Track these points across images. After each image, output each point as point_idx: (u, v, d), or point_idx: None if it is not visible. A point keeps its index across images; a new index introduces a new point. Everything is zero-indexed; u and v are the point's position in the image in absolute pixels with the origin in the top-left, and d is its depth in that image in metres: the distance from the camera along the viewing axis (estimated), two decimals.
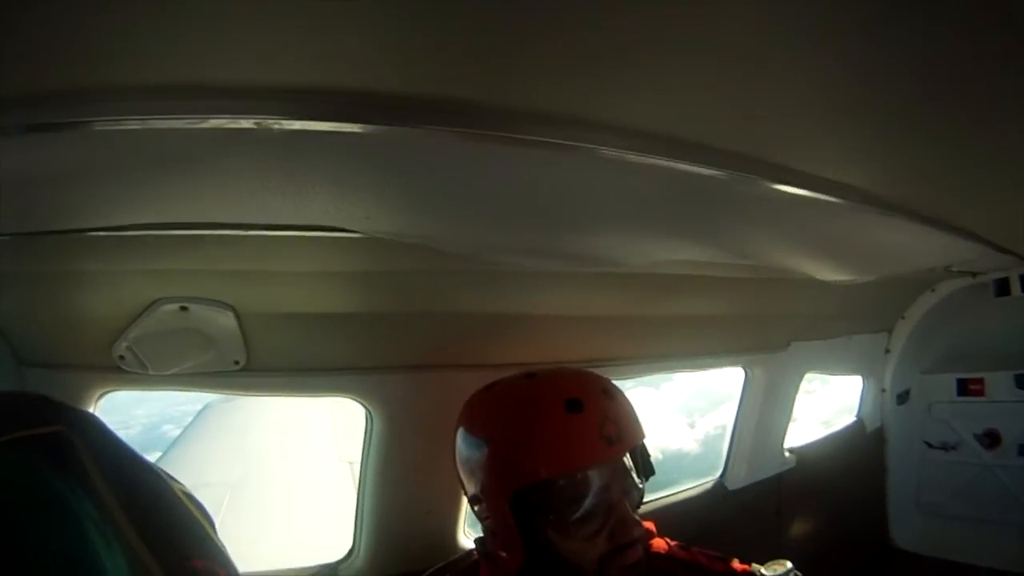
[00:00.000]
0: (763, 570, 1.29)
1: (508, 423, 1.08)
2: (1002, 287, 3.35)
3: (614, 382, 1.17)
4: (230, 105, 0.67)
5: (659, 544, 1.37)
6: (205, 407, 6.79)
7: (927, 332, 3.63)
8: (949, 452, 3.69)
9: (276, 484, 4.73)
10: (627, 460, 1.11)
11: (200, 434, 6.14)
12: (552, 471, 1.03)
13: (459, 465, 1.16)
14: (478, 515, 1.15)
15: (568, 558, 1.06)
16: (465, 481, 1.15)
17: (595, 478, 1.04)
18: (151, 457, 0.83)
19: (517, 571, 1.09)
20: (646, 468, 1.18)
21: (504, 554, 1.10)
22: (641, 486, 1.14)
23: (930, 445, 3.76)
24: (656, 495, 2.52)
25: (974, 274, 3.37)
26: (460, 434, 1.16)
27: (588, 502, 1.04)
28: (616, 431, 1.05)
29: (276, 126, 0.70)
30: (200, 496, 0.84)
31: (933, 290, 3.50)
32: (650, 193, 1.08)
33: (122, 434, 0.78)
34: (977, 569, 3.37)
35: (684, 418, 16.00)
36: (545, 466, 1.02)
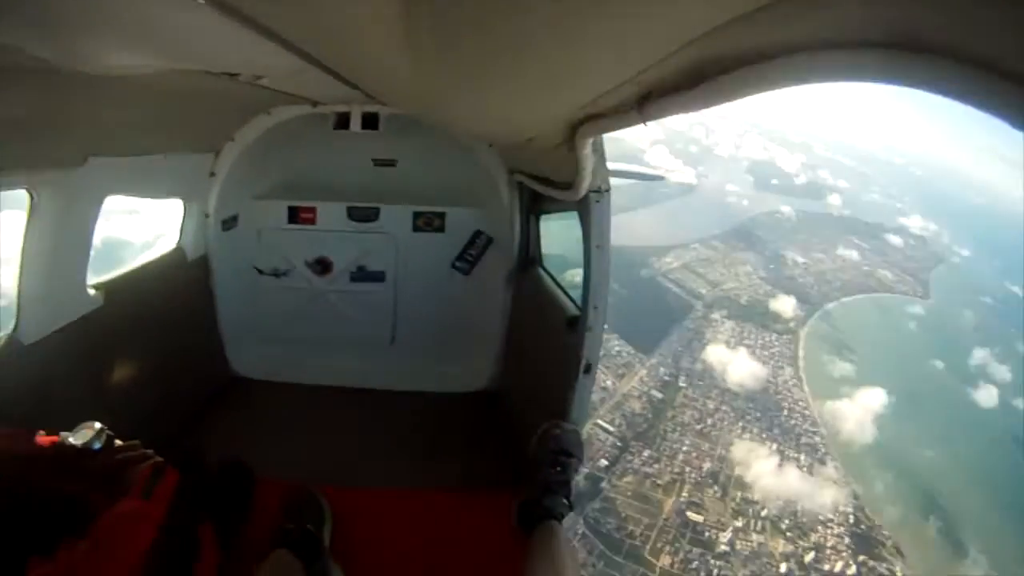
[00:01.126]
0: (71, 438, 1.22)
1: None
2: (342, 120, 3.43)
3: None
4: None
5: None
6: None
7: (259, 157, 3.51)
8: (281, 278, 3.81)
9: None
10: None
11: None
12: None
13: None
14: None
15: None
16: None
17: None
18: None
19: None
20: None
21: None
22: None
23: (261, 272, 3.80)
24: None
25: (315, 103, 3.34)
26: None
27: None
28: None
29: None
30: None
31: (269, 113, 3.35)
32: None
33: None
34: (315, 388, 3.67)
35: None
36: None
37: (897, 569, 36.80)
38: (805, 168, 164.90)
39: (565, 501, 2.28)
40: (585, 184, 2.17)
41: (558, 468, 2.36)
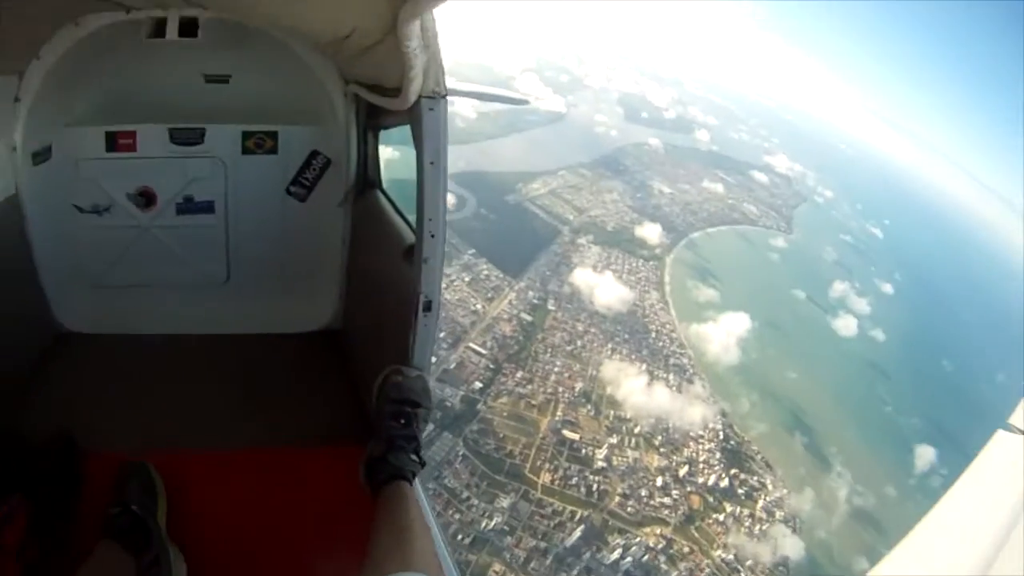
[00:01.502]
0: None
1: None
2: (159, 28, 2.97)
3: None
4: None
5: None
6: None
7: (70, 76, 3.00)
8: (103, 216, 3.35)
9: None
10: None
11: None
12: None
13: None
14: None
15: None
16: None
17: None
18: None
19: None
20: None
21: None
22: None
23: (81, 209, 3.31)
24: None
25: (128, 8, 2.88)
26: None
27: None
28: None
29: None
30: None
31: (77, 24, 2.86)
32: None
33: None
34: (151, 339, 3.34)
35: None
36: None
37: (768, 481, 40.94)
38: (675, 103, 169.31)
39: (414, 457, 2.06)
40: (415, 87, 1.90)
41: (402, 420, 2.13)
